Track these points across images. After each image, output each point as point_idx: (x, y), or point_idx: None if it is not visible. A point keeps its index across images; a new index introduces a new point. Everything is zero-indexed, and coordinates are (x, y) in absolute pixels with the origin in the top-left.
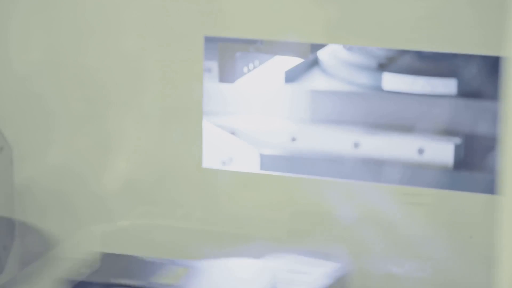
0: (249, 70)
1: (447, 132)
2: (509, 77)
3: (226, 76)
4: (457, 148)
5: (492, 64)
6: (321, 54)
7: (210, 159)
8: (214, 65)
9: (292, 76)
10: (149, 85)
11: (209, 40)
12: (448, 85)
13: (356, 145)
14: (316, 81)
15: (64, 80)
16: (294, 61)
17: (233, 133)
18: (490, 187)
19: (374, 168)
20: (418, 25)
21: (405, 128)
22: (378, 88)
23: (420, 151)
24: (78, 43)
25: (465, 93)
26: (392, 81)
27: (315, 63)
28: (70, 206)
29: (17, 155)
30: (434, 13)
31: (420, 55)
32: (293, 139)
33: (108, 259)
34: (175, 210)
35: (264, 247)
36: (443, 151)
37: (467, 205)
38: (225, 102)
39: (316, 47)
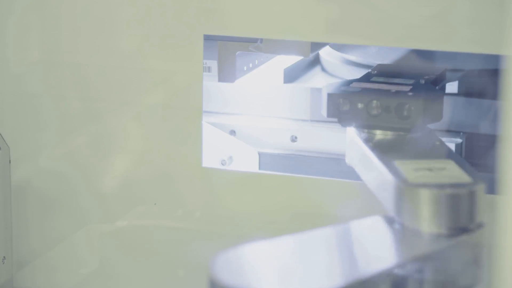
0: (248, 69)
1: (448, 131)
2: (509, 76)
3: (225, 75)
4: (457, 147)
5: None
6: (322, 53)
7: (210, 159)
8: (213, 64)
9: (292, 76)
10: (148, 85)
11: (208, 39)
12: (449, 84)
13: None
14: (316, 80)
15: (62, 80)
16: (294, 60)
17: (233, 133)
18: (490, 187)
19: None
20: (418, 24)
21: None
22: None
23: None
24: (75, 43)
25: (467, 92)
26: None
27: (316, 62)
28: (68, 206)
29: (15, 155)
30: (434, 12)
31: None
32: (293, 139)
33: None
34: (174, 210)
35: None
36: None
37: None
38: (224, 101)
39: (317, 45)
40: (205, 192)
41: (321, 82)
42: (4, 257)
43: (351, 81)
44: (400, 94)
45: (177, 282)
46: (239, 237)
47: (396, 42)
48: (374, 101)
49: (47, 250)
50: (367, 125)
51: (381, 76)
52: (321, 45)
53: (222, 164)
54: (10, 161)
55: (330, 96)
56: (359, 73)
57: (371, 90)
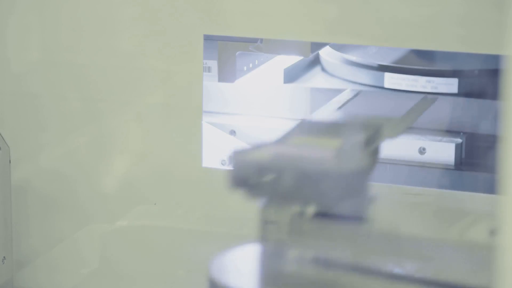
0: (248, 69)
1: (449, 131)
2: (510, 76)
3: (225, 75)
4: (457, 147)
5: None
6: (322, 53)
7: (210, 159)
8: (213, 64)
9: (292, 75)
10: (148, 85)
11: (208, 39)
12: (449, 84)
13: None
14: (316, 80)
15: (62, 80)
16: (294, 60)
17: (233, 133)
18: (490, 187)
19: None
20: (418, 24)
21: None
22: (379, 87)
23: (421, 151)
24: (75, 43)
25: (467, 92)
26: (393, 81)
27: (316, 62)
28: (69, 206)
29: (15, 155)
30: (433, 11)
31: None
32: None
33: None
34: (174, 210)
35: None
36: (444, 151)
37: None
38: (224, 101)
39: (317, 45)
40: (205, 192)
41: (321, 82)
42: (4, 257)
43: (264, 144)
44: (320, 162)
45: (177, 282)
46: (239, 237)
47: (396, 42)
48: (286, 172)
49: (48, 250)
50: (279, 200)
51: (303, 135)
52: (321, 45)
53: (222, 164)
54: (10, 161)
55: (235, 164)
56: (360, 73)
57: (286, 156)
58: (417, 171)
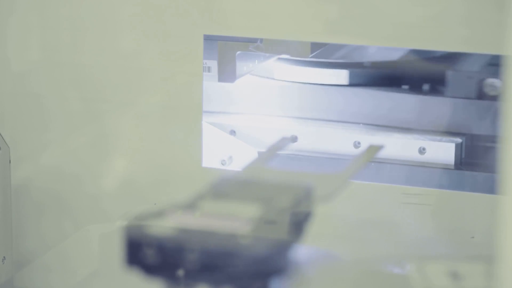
0: (249, 69)
1: (448, 131)
2: (510, 76)
3: (225, 75)
4: (457, 147)
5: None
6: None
7: (210, 159)
8: (213, 64)
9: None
10: (148, 85)
11: (208, 39)
12: (339, 76)
13: (357, 144)
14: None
15: (62, 80)
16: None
17: (233, 133)
18: (490, 187)
19: (375, 168)
20: (417, 24)
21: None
22: (270, 79)
23: (421, 151)
24: (76, 43)
25: (357, 83)
26: (283, 72)
27: None
28: (69, 206)
29: (15, 155)
30: (432, 12)
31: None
32: (294, 139)
33: None
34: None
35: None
36: (444, 151)
37: (468, 205)
38: (224, 101)
39: (317, 45)
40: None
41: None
42: (4, 257)
43: (167, 211)
44: (230, 237)
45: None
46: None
47: (395, 42)
48: (190, 250)
49: (47, 250)
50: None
51: (216, 198)
52: (321, 45)
53: (222, 164)
54: (10, 161)
55: (127, 235)
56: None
57: (190, 229)
58: (417, 171)
